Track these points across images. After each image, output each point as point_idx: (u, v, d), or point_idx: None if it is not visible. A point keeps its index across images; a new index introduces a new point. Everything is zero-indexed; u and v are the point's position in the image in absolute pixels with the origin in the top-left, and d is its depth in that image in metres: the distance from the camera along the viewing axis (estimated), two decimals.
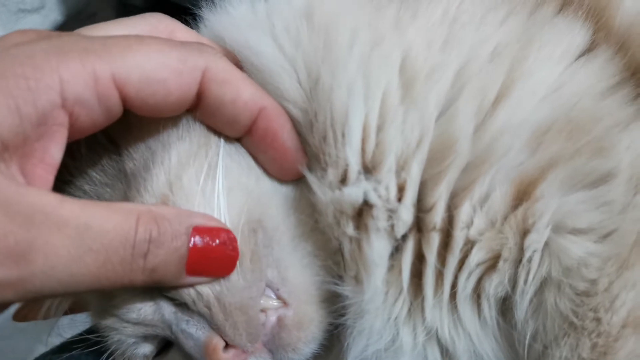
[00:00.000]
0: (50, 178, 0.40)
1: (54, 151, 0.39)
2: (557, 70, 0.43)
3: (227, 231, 0.43)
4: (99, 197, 0.47)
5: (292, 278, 0.46)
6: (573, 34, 0.45)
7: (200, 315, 0.44)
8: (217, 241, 0.42)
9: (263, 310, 0.45)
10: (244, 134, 0.46)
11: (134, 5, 1.47)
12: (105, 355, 0.49)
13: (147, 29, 0.47)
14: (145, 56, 0.40)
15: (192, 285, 0.43)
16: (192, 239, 0.41)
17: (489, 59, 0.44)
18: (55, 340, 0.59)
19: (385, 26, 0.45)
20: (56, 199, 0.37)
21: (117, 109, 0.41)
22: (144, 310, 0.45)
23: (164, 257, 0.40)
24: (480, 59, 0.44)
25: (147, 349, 0.48)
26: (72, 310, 0.60)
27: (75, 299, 0.58)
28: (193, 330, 0.44)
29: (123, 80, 0.40)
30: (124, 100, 0.40)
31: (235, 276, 0.43)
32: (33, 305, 0.63)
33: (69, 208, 0.37)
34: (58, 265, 0.36)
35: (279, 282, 0.45)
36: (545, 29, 0.45)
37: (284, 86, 0.45)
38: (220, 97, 0.43)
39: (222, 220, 0.44)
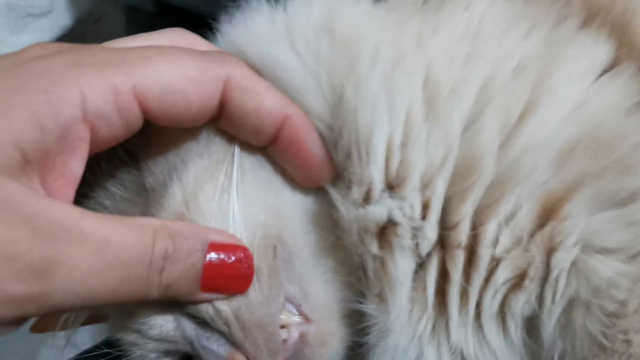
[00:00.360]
0: (70, 192, 0.39)
1: (75, 166, 0.39)
2: (581, 87, 0.43)
3: (243, 248, 0.42)
4: (119, 212, 0.47)
5: (314, 294, 0.45)
6: (597, 49, 0.45)
7: (220, 332, 0.43)
8: (233, 258, 0.41)
9: (285, 326, 0.45)
10: (268, 143, 0.45)
11: (144, 10, 1.46)
12: None
13: (167, 43, 0.46)
14: (165, 67, 0.40)
15: (207, 301, 0.43)
16: (208, 255, 0.40)
17: (512, 74, 0.43)
18: (70, 352, 0.59)
19: (407, 42, 0.45)
20: (77, 212, 0.37)
21: (138, 121, 0.40)
22: (166, 327, 0.45)
23: (179, 274, 0.39)
24: (503, 75, 0.43)
25: None
26: (90, 321, 0.60)
27: (93, 312, 0.58)
28: (214, 347, 0.44)
29: (144, 92, 0.39)
30: (145, 112, 0.40)
31: (252, 292, 0.43)
32: (51, 317, 0.63)
33: (89, 222, 0.37)
34: (78, 280, 0.36)
35: (301, 298, 0.45)
36: (569, 45, 0.44)
37: (309, 102, 0.45)
38: (243, 106, 0.43)
39: (238, 236, 0.43)
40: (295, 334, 0.44)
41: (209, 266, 0.41)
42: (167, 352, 0.46)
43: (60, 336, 0.61)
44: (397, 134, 0.42)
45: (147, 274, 0.38)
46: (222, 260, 0.41)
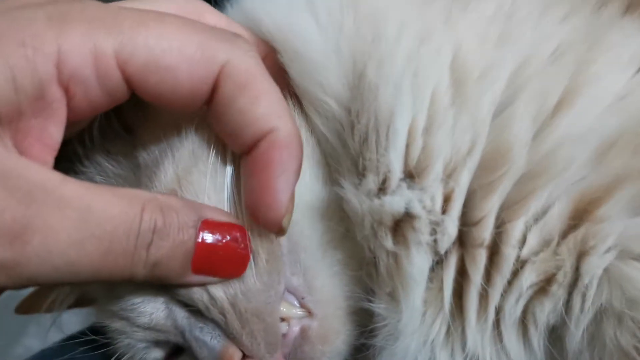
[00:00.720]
0: (49, 160, 0.35)
1: (53, 131, 0.35)
2: (625, 77, 0.39)
3: (240, 227, 0.38)
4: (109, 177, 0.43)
5: (319, 287, 0.42)
6: None
7: (215, 322, 0.40)
8: (228, 237, 0.37)
9: (285, 319, 0.41)
10: (243, 152, 0.39)
11: None
12: (113, 359, 0.45)
13: (172, 8, 0.42)
14: (159, 37, 0.35)
15: (198, 284, 0.39)
16: (201, 233, 0.36)
17: (550, 59, 0.39)
18: (54, 336, 0.56)
19: (435, 19, 0.41)
20: (58, 177, 0.33)
21: (122, 91, 0.36)
22: (156, 315, 0.41)
23: (167, 251, 0.35)
24: (540, 59, 0.39)
25: (157, 354, 0.45)
26: (77, 304, 0.57)
27: (81, 293, 0.55)
28: (207, 339, 0.40)
29: (125, 60, 0.35)
30: (128, 83, 0.36)
31: (250, 279, 0.39)
32: (37, 297, 0.60)
33: (72, 188, 0.33)
34: (55, 250, 0.32)
35: (305, 290, 0.41)
36: (611, 31, 0.40)
37: (327, 80, 0.40)
38: (230, 101, 0.37)
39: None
40: (295, 328, 0.41)
41: (201, 245, 0.37)
42: (156, 343, 0.43)
43: (47, 317, 0.58)
44: (421, 117, 0.38)
45: (134, 248, 0.34)
46: (216, 239, 0.37)
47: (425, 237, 0.38)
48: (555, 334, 0.39)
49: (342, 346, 0.42)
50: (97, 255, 0.33)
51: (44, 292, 0.59)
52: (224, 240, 0.37)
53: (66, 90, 0.34)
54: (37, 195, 0.32)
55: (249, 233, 0.39)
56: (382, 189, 0.39)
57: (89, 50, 0.34)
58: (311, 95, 0.41)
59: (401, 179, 0.39)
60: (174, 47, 0.35)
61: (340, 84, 0.40)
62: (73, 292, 0.56)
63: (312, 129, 0.43)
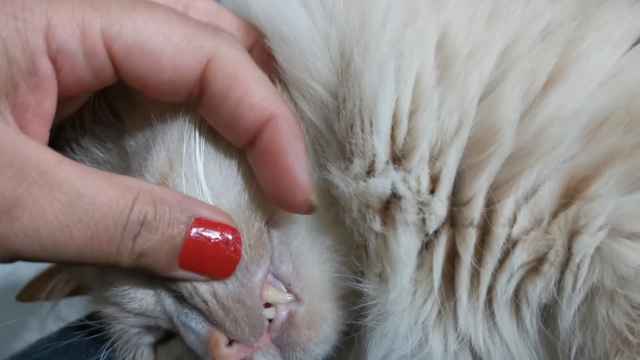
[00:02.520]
0: (46, 132, 0.35)
1: (48, 105, 0.35)
2: (616, 54, 0.38)
3: (233, 230, 0.37)
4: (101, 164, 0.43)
5: (307, 273, 0.41)
6: (633, 15, 0.39)
7: (198, 309, 0.40)
8: (219, 238, 0.37)
9: (273, 305, 0.41)
10: (246, 145, 0.38)
11: None
12: (107, 344, 0.45)
13: None
14: (146, 21, 0.35)
15: (184, 279, 0.38)
16: (192, 230, 0.36)
17: (539, 37, 0.38)
18: (52, 324, 0.55)
19: (422, 0, 0.40)
20: (55, 157, 0.33)
21: (108, 71, 0.35)
22: (145, 301, 0.41)
23: (154, 244, 0.35)
24: (529, 38, 0.38)
25: (150, 339, 0.45)
26: (74, 293, 0.57)
27: (78, 282, 0.55)
28: (193, 324, 0.40)
29: (112, 39, 0.34)
30: (113, 63, 0.35)
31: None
32: (37, 286, 0.60)
33: (66, 171, 0.33)
34: (43, 230, 0.32)
35: (293, 277, 0.41)
36: (603, 8, 0.39)
37: (314, 65, 0.40)
38: (223, 93, 0.36)
39: (223, 205, 0.39)
40: (283, 313, 0.41)
41: (190, 242, 0.36)
42: (148, 328, 0.43)
43: (55, 317, 0.58)
44: (405, 100, 0.37)
45: (120, 238, 0.34)
46: (207, 239, 0.37)
47: (412, 217, 0.37)
48: (548, 314, 0.38)
49: (329, 331, 0.42)
50: (82, 239, 0.33)
51: (44, 281, 0.59)
52: (214, 241, 0.37)
53: (54, 63, 0.34)
54: (30, 174, 0.32)
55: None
56: (369, 172, 0.38)
57: (77, 25, 0.34)
58: (298, 80, 0.41)
59: (387, 162, 0.38)
60: (160, 33, 0.35)
61: (327, 69, 0.40)
62: (71, 280, 0.56)
63: (300, 115, 0.42)
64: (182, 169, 0.39)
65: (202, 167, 0.39)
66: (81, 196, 0.33)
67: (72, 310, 0.58)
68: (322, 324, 0.41)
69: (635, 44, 0.39)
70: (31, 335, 0.57)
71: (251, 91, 0.36)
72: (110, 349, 0.45)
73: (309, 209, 0.38)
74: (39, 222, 0.32)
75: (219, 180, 0.40)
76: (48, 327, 0.57)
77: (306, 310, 0.41)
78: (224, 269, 0.38)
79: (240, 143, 0.39)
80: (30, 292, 0.61)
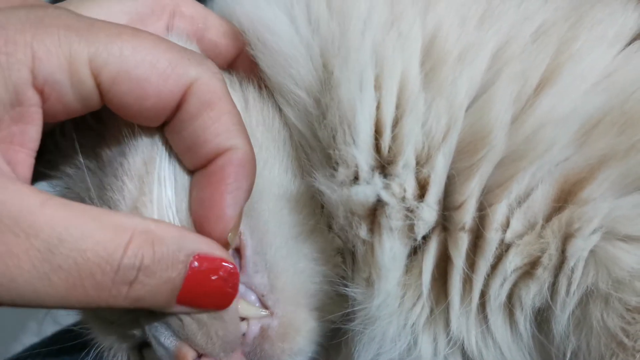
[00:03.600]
0: (32, 162, 0.34)
1: (33, 134, 0.33)
2: (609, 55, 0.37)
3: (231, 264, 0.36)
4: (82, 182, 0.41)
5: (281, 285, 0.40)
6: (626, 15, 0.38)
7: (167, 323, 0.38)
8: (217, 275, 0.35)
9: (245, 319, 0.39)
10: (197, 168, 0.38)
11: None
12: (93, 348, 0.44)
13: (149, 1, 0.41)
14: (133, 49, 0.34)
15: (181, 313, 0.37)
16: (191, 268, 0.34)
17: (532, 38, 0.37)
18: (49, 328, 0.55)
19: (405, 2, 0.39)
20: (38, 200, 0.31)
21: (95, 98, 0.34)
22: (118, 310, 0.39)
23: (153, 288, 0.33)
24: (522, 39, 0.37)
25: (131, 344, 0.44)
26: None
27: None
28: (162, 339, 0.39)
29: (99, 67, 0.33)
30: (100, 90, 0.34)
31: None
32: None
33: (49, 214, 0.31)
34: (19, 279, 0.30)
35: (266, 288, 0.40)
36: (596, 8, 0.38)
37: (297, 72, 0.39)
38: (194, 117, 0.36)
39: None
40: (255, 328, 0.39)
41: (189, 281, 0.34)
42: (125, 336, 0.42)
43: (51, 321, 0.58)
44: (388, 108, 0.36)
45: (111, 283, 0.32)
46: (206, 276, 0.35)
47: (396, 223, 0.37)
48: (542, 317, 0.37)
49: (304, 342, 0.41)
50: (63, 287, 0.31)
51: None
52: (213, 278, 0.35)
53: (41, 94, 0.33)
54: (7, 223, 0.30)
55: None
56: (355, 179, 0.37)
57: (64, 57, 0.33)
58: (282, 87, 0.40)
59: (372, 171, 0.37)
60: (146, 61, 0.34)
61: (310, 76, 0.39)
62: None
63: (285, 121, 0.41)
64: (156, 173, 0.38)
65: (169, 178, 0.38)
66: (62, 242, 0.31)
67: (70, 314, 0.57)
68: (296, 336, 0.40)
69: (630, 43, 0.39)
70: (30, 338, 0.57)
71: (220, 122, 0.36)
72: (98, 353, 0.45)
73: (223, 244, 0.37)
74: (14, 272, 0.30)
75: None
76: (45, 331, 0.56)
77: (279, 323, 0.39)
78: (220, 304, 0.37)
79: (193, 165, 0.38)
80: None
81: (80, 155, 0.41)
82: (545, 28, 0.37)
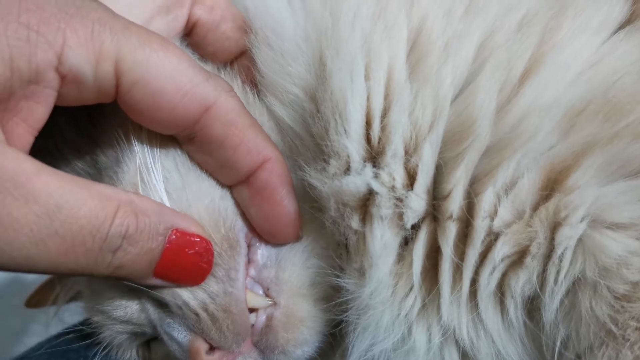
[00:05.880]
0: (30, 139, 0.34)
1: (40, 113, 0.34)
2: (595, 43, 0.36)
3: (207, 241, 0.37)
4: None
5: (286, 277, 0.40)
6: (612, 3, 0.38)
7: (181, 317, 0.39)
8: (194, 250, 0.36)
9: (253, 310, 0.40)
10: (237, 183, 0.39)
11: None
12: (101, 347, 0.45)
13: None
14: (159, 60, 0.34)
15: (156, 287, 0.37)
16: (169, 242, 0.35)
17: (516, 28, 0.36)
18: (54, 329, 0.55)
19: None
20: (34, 167, 0.31)
21: (110, 94, 0.35)
22: (130, 309, 0.40)
23: (133, 257, 0.34)
24: (506, 29, 0.36)
25: (139, 341, 0.45)
26: (77, 297, 0.57)
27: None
28: (175, 334, 0.39)
29: (124, 69, 0.34)
30: (117, 89, 0.35)
31: (214, 285, 0.38)
32: (44, 292, 0.60)
33: (45, 181, 0.31)
34: (15, 243, 0.30)
35: (272, 282, 0.40)
36: None
37: (296, 70, 0.39)
38: (221, 138, 0.37)
39: (197, 215, 0.38)
40: (262, 318, 0.40)
41: (167, 253, 0.35)
42: (135, 334, 0.43)
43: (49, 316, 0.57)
44: (377, 98, 0.36)
45: (99, 251, 0.32)
46: (183, 250, 0.36)
47: (386, 211, 0.36)
48: (532, 306, 0.36)
49: (308, 332, 0.40)
50: (56, 252, 0.31)
51: (50, 287, 0.59)
52: (189, 252, 0.36)
53: (62, 79, 0.33)
54: (5, 185, 0.30)
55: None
56: (345, 171, 0.37)
57: (93, 52, 0.33)
58: (278, 86, 0.39)
59: (363, 161, 0.36)
60: (167, 75, 0.35)
61: (308, 73, 0.38)
62: (73, 287, 0.55)
63: (276, 122, 0.41)
64: (152, 180, 0.38)
65: (163, 186, 0.38)
66: (59, 208, 0.31)
67: (75, 314, 0.58)
68: (300, 325, 0.40)
69: (616, 32, 0.38)
70: (34, 340, 0.57)
71: (247, 137, 0.37)
72: (106, 352, 0.45)
73: (297, 239, 0.40)
74: (11, 236, 0.30)
75: (186, 192, 0.38)
76: (50, 332, 0.56)
77: (282, 313, 0.39)
78: (195, 278, 0.37)
79: (231, 182, 0.39)
80: (38, 299, 0.60)
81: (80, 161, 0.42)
82: (529, 18, 0.37)
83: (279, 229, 0.39)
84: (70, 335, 0.51)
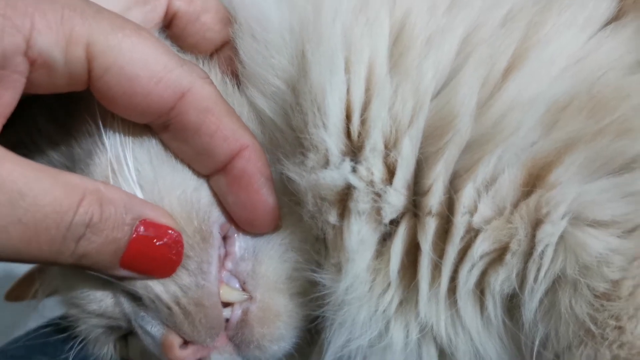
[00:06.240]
0: None
1: (9, 100, 0.33)
2: (580, 39, 0.35)
3: (177, 233, 0.36)
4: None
5: (263, 271, 0.39)
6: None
7: (155, 311, 0.38)
8: (162, 241, 0.36)
9: (229, 304, 0.39)
10: (214, 172, 0.38)
11: None
12: (77, 341, 0.44)
13: None
14: (132, 45, 0.34)
15: (125, 278, 0.37)
16: (136, 232, 0.34)
17: (500, 23, 0.36)
18: (31, 324, 0.55)
19: None
20: None
21: (82, 81, 0.34)
22: (104, 302, 0.40)
23: (98, 246, 0.33)
24: (490, 24, 0.36)
25: (116, 335, 0.44)
26: (56, 292, 0.56)
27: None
28: (148, 327, 0.39)
29: (95, 54, 0.33)
30: (89, 75, 0.34)
31: (186, 278, 0.38)
32: (23, 287, 0.59)
33: (9, 168, 0.31)
34: None
35: (248, 275, 0.39)
36: None
37: (279, 62, 0.38)
38: (197, 126, 0.36)
39: (169, 205, 0.37)
40: (238, 312, 0.39)
41: (133, 244, 0.35)
42: (111, 328, 0.42)
43: (46, 307, 0.57)
44: (357, 93, 0.35)
45: (62, 239, 0.32)
46: (150, 241, 0.35)
47: (363, 206, 0.35)
48: (512, 304, 0.35)
49: (284, 327, 0.40)
50: (19, 240, 0.31)
51: (30, 281, 0.58)
52: (157, 243, 0.36)
53: (32, 64, 0.32)
54: None
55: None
56: (324, 165, 0.36)
57: (63, 35, 0.32)
58: (260, 78, 0.39)
59: (342, 155, 0.36)
60: (141, 60, 0.34)
61: (290, 66, 0.38)
62: (53, 282, 0.55)
63: (257, 114, 0.40)
64: (124, 172, 0.37)
65: (135, 176, 0.37)
66: (22, 196, 0.30)
67: (56, 309, 0.57)
68: (276, 320, 0.39)
69: (602, 28, 0.37)
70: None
71: (223, 124, 0.37)
72: (82, 346, 0.44)
73: (276, 229, 0.40)
74: None
75: (158, 184, 0.38)
76: (29, 326, 0.56)
77: (258, 307, 0.39)
78: (164, 270, 0.37)
79: (208, 171, 0.38)
80: (18, 292, 0.60)
81: (56, 152, 0.41)
82: (513, 14, 0.36)
83: (256, 217, 0.38)
84: (48, 329, 0.50)
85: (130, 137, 0.38)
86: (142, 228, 0.35)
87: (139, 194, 0.37)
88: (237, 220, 0.39)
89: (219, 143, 0.37)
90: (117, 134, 0.38)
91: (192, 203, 0.38)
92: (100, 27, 0.33)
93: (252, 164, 0.37)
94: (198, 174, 0.39)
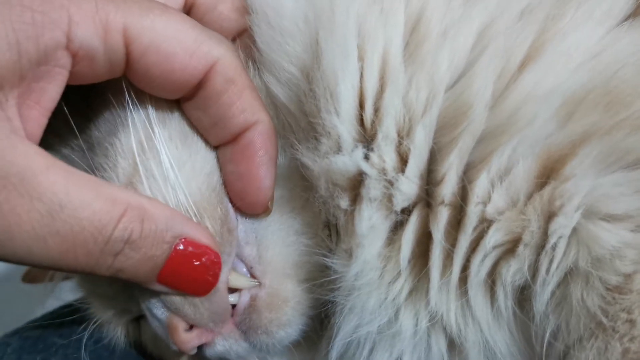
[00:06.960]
0: (44, 121, 0.34)
1: (53, 94, 0.33)
2: (598, 33, 0.35)
3: (215, 253, 0.36)
4: (77, 163, 0.40)
5: (270, 257, 0.39)
6: None
7: (159, 296, 0.38)
8: (201, 261, 0.35)
9: (237, 290, 0.39)
10: (224, 143, 0.38)
11: None
12: (91, 322, 0.45)
13: None
14: (164, 24, 0.34)
15: (158, 291, 0.37)
16: (175, 250, 0.34)
17: (518, 16, 0.35)
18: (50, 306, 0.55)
19: None
20: (44, 163, 0.31)
21: (121, 66, 0.34)
22: (114, 286, 0.40)
23: (135, 262, 0.33)
24: (508, 17, 0.35)
25: (128, 317, 0.44)
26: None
27: None
28: (154, 310, 0.38)
29: (132, 37, 0.33)
30: (128, 60, 0.34)
31: None
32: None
33: (52, 179, 0.31)
34: (17, 239, 0.30)
35: (255, 260, 0.39)
36: None
37: (294, 49, 0.38)
38: (219, 94, 0.36)
39: (184, 189, 0.37)
40: (245, 298, 0.39)
41: (172, 262, 0.34)
42: (123, 311, 0.43)
43: (63, 290, 0.58)
44: (370, 80, 0.35)
45: (99, 252, 0.32)
46: (189, 261, 0.35)
47: (375, 193, 0.35)
48: (523, 296, 0.35)
49: (292, 313, 0.40)
50: (57, 251, 0.31)
51: None
52: (195, 263, 0.35)
53: (74, 57, 0.33)
54: (12, 180, 0.30)
55: None
56: (337, 151, 0.36)
57: (100, 23, 0.33)
58: (276, 64, 0.39)
59: (355, 142, 0.36)
60: (174, 37, 0.35)
61: (305, 53, 0.38)
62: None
63: (272, 100, 0.40)
64: (151, 157, 0.37)
65: (167, 154, 0.37)
66: (62, 208, 0.30)
67: (72, 292, 0.57)
68: (284, 306, 0.39)
69: (622, 22, 0.37)
70: None
71: (244, 96, 0.37)
72: (96, 328, 0.45)
73: (264, 211, 0.39)
74: (14, 230, 0.30)
75: (188, 166, 0.38)
76: (47, 308, 0.56)
77: (267, 293, 0.39)
78: (199, 290, 0.37)
79: (219, 140, 0.39)
80: (34, 274, 0.60)
81: (79, 138, 0.41)
82: (532, 7, 0.36)
83: (249, 192, 0.38)
84: (65, 311, 0.51)
85: (156, 116, 0.38)
86: (181, 247, 0.34)
87: (172, 175, 0.37)
88: (229, 190, 0.39)
89: (237, 113, 0.37)
90: (143, 113, 0.38)
91: (215, 188, 0.38)
92: (132, 11, 0.34)
93: (261, 139, 0.37)
94: (210, 147, 0.39)
